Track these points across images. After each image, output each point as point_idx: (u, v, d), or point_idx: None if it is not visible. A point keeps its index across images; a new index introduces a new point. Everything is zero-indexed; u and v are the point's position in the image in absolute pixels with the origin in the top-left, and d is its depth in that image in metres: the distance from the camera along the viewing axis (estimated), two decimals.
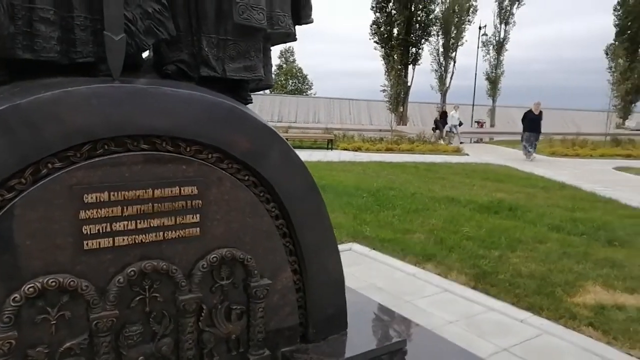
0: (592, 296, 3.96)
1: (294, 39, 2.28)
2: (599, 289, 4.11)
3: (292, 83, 65.97)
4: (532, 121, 15.80)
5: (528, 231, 5.90)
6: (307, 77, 67.94)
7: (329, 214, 6.44)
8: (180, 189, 1.75)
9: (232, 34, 1.96)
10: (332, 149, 17.50)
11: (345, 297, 2.33)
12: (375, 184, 9.16)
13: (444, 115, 24.46)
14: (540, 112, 16.15)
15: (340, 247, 5.14)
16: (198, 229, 1.82)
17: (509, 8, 36.45)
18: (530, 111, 16.23)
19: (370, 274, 4.45)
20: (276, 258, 2.07)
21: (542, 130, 17.83)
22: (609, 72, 34.33)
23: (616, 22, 36.80)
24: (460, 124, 23.27)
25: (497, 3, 36.62)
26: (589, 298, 3.91)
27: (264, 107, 41.95)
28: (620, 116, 38.01)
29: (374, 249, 5.16)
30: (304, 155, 14.66)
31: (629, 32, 35.77)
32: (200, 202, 1.80)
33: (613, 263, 4.76)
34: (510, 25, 37.13)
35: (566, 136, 21.33)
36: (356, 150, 17.01)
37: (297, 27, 2.29)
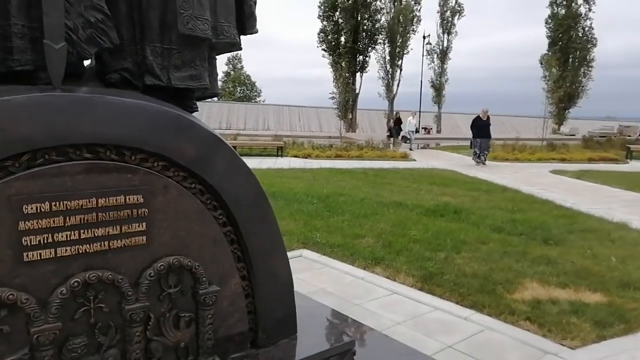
0: (530, 292, 4.19)
1: (239, 49, 2.32)
2: (535, 285, 4.36)
3: (241, 90, 65.46)
4: (481, 127, 15.99)
5: (472, 233, 6.16)
6: (256, 84, 67.67)
7: (280, 221, 6.47)
8: (125, 198, 1.73)
9: (176, 44, 1.96)
10: (282, 156, 17.53)
11: (294, 302, 2.36)
12: (325, 190, 9.26)
13: (398, 121, 24.57)
14: (488, 118, 16.35)
15: (291, 253, 5.20)
16: (144, 237, 1.80)
17: (450, 19, 37.91)
18: (478, 117, 16.41)
19: (321, 279, 4.51)
20: (224, 265, 2.08)
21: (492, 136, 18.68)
22: (544, 81, 36.32)
23: (548, 34, 38.97)
24: (417, 130, 23.80)
25: (439, 14, 38.04)
26: (526, 294, 4.14)
27: (212, 114, 41.40)
28: (555, 122, 40.17)
29: (324, 254, 5.23)
30: (254, 162, 14.69)
31: (560, 43, 37.97)
32: (146, 210, 1.79)
33: (548, 260, 5.06)
34: (453, 35, 38.64)
35: (506, 141, 22.33)
36: (306, 157, 17.11)
37: (243, 36, 2.33)
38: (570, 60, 38.69)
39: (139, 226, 1.78)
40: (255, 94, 67.53)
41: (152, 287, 1.83)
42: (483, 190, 9.90)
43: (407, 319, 3.64)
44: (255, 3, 2.30)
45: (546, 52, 38.91)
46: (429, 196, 8.97)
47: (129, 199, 1.75)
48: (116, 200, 1.71)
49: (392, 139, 23.98)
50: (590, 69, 38.93)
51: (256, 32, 2.35)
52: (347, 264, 4.94)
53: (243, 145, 18.96)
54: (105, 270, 1.71)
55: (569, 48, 38.25)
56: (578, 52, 38.48)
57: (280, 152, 17.89)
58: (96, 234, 1.68)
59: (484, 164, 15.82)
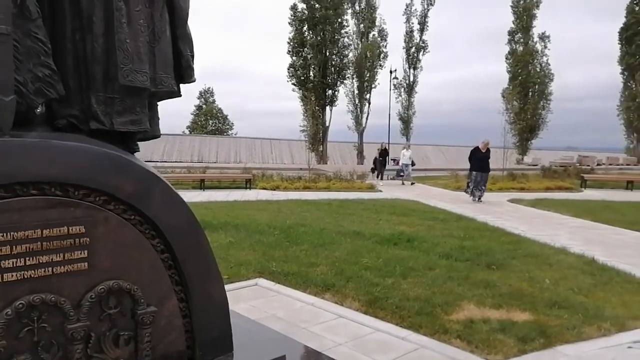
0: (465, 313, 4.51)
1: (179, 95, 2.63)
2: (472, 307, 4.68)
3: (212, 123, 65.77)
4: (480, 160, 14.75)
5: (421, 259, 6.49)
6: (228, 117, 68.14)
7: (239, 251, 6.74)
8: (68, 229, 1.99)
9: (118, 93, 2.26)
10: (250, 188, 17.74)
11: (229, 322, 2.61)
12: (287, 222, 9.52)
13: (384, 153, 23.03)
14: (488, 150, 15.12)
15: (246, 282, 5.44)
16: (86, 263, 2.04)
17: (415, 54, 39.37)
18: (477, 149, 15.11)
19: (272, 306, 4.73)
20: (162, 288, 2.33)
21: (447, 166, 19.16)
22: (506, 113, 37.84)
23: (508, 69, 40.81)
24: (413, 163, 21.99)
25: (405, 50, 39.48)
26: (462, 315, 4.46)
27: (184, 147, 41.47)
28: (519, 153, 41.64)
29: (278, 283, 5.46)
30: (222, 195, 14.88)
31: (519, 78, 39.76)
32: (87, 239, 2.04)
33: (487, 284, 5.41)
34: (418, 69, 40.03)
35: (466, 171, 23.06)
36: (274, 189, 17.37)
37: (182, 84, 2.65)
38: (530, 94, 40.45)
39: (80, 254, 2.03)
40: (227, 127, 67.92)
41: (93, 308, 2.06)
42: (439, 219, 10.33)
43: (349, 340, 3.89)
44: (192, 57, 2.62)
45: (507, 86, 40.69)
46: (386, 225, 9.32)
47: (72, 229, 2.00)
48: (60, 230, 1.97)
49: (375, 172, 22.67)
50: (548, 102, 40.71)
51: (194, 81, 2.67)
52: (299, 291, 5.18)
53: (212, 178, 19.12)
54: (48, 294, 1.94)
55: (528, 82, 40.06)
56: (537, 86, 40.28)
57: (248, 184, 18.11)
58: (41, 261, 1.92)
59: (480, 200, 14.55)
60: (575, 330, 4.14)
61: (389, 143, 42.01)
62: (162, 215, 2.28)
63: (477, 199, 14.54)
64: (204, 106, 65.39)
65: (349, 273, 5.75)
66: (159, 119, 2.62)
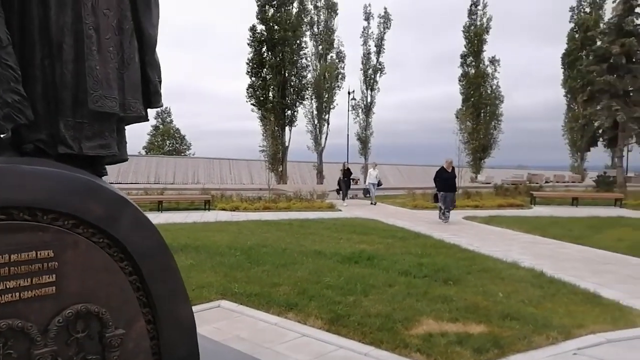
0: (424, 327, 4.67)
1: (146, 120, 2.70)
2: (430, 321, 4.85)
3: (170, 144, 64.76)
4: (446, 180, 14.64)
5: (381, 277, 6.65)
6: (186, 137, 67.30)
7: (200, 273, 6.73)
8: (36, 253, 2.00)
9: (87, 118, 2.31)
10: (209, 209, 17.56)
11: (197, 343, 2.65)
12: (248, 242, 9.51)
13: (347, 173, 22.40)
14: (453, 169, 15.08)
15: (209, 304, 5.43)
16: (54, 287, 2.05)
17: (372, 76, 40.34)
18: (442, 169, 14.97)
19: (236, 327, 4.75)
20: (130, 310, 2.35)
21: (405, 185, 19.49)
22: (460, 133, 39.23)
23: (461, 91, 42.41)
24: (380, 183, 21.79)
25: (362, 71, 40.39)
26: (421, 329, 4.62)
27: (139, 168, 40.57)
28: (473, 171, 43.05)
29: (241, 304, 5.47)
30: (180, 216, 14.67)
31: (472, 99, 41.35)
32: (56, 263, 2.05)
33: (444, 299, 5.61)
34: (376, 91, 40.98)
35: (426, 190, 23.69)
36: (234, 210, 17.26)
37: (150, 109, 2.72)
38: (482, 114, 42.06)
39: (49, 278, 2.04)
40: (185, 147, 67.03)
41: (60, 332, 2.07)
42: (398, 237, 10.57)
43: (313, 358, 3.97)
44: (160, 82, 2.70)
45: (461, 107, 42.23)
46: (347, 244, 9.47)
47: (40, 254, 2.01)
48: (28, 255, 1.98)
49: (341, 192, 22.03)
50: (499, 122, 42.43)
51: (161, 106, 2.74)
52: (262, 311, 5.21)
53: (170, 199, 18.82)
54: (15, 319, 1.94)
55: (480, 104, 41.68)
56: (488, 108, 41.95)
57: (207, 205, 17.92)
58: (8, 286, 1.93)
59: (447, 220, 14.24)
60: (526, 339, 4.37)
61: (348, 163, 42.67)
62: (130, 237, 2.32)
63: (447, 220, 14.18)
64: (161, 126, 64.38)
65: (311, 292, 5.83)
66: (126, 142, 2.67)
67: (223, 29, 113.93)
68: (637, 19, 27.52)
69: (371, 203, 20.83)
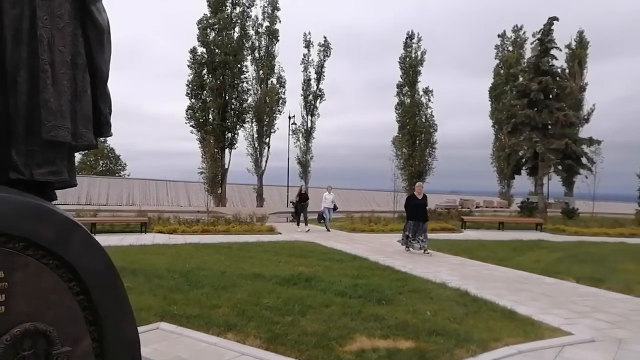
0: (357, 344, 4.96)
1: (96, 147, 2.86)
2: (363, 338, 5.16)
3: (103, 164, 62.38)
4: (416, 207, 13.31)
5: (318, 298, 6.91)
6: (120, 157, 65.14)
7: (138, 296, 6.74)
8: None
9: (39, 146, 2.46)
10: (146, 232, 17.17)
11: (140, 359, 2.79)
12: (187, 265, 9.49)
13: (303, 197, 20.81)
14: (425, 196, 13.66)
15: (148, 326, 5.46)
16: (3, 307, 2.16)
17: (312, 102, 41.23)
18: (412, 196, 13.84)
19: (176, 348, 4.82)
20: (77, 328, 2.47)
21: (343, 208, 19.50)
22: (397, 159, 40.72)
23: (398, 119, 44.17)
24: (335, 208, 20.74)
25: (302, 97, 41.20)
26: (354, 346, 4.90)
27: (69, 189, 38.69)
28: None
29: (180, 325, 5.53)
30: (115, 239, 14.28)
31: (407, 127, 43.15)
32: (6, 284, 2.17)
33: (377, 317, 5.95)
34: (316, 116, 41.83)
35: (363, 214, 24.37)
36: (172, 233, 16.97)
37: (100, 137, 2.88)
38: (417, 142, 43.91)
39: None
40: (120, 167, 64.80)
41: (7, 350, 2.17)
42: (336, 260, 10.91)
43: None
44: (110, 113, 2.88)
45: (397, 134, 43.91)
46: (286, 267, 9.67)
47: None
48: None
49: (297, 218, 20.75)
50: (434, 149, 44.43)
51: (111, 135, 2.92)
52: (202, 332, 5.30)
53: (104, 222, 18.21)
54: None
55: (415, 131, 43.54)
56: (423, 135, 43.87)
57: (144, 228, 17.52)
58: None
59: (426, 251, 12.79)
60: (448, 353, 4.76)
61: (288, 185, 42.94)
62: (80, 259, 2.46)
63: (418, 249, 12.92)
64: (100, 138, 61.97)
65: (250, 313, 5.99)
66: (76, 169, 2.81)
67: (158, 48, 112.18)
68: (551, 60, 30.15)
69: (328, 229, 19.65)
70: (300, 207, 20.55)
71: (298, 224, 20.37)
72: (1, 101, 2.41)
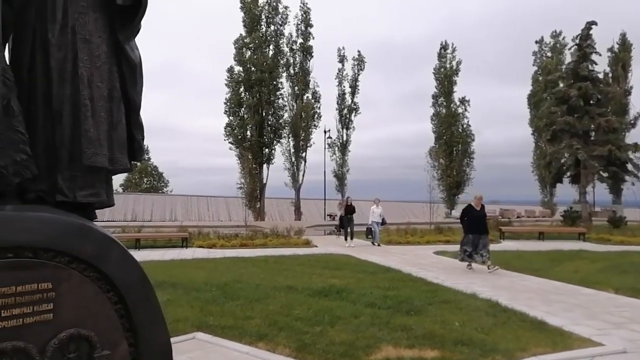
0: (383, 353, 5.10)
1: (131, 171, 3.21)
2: (390, 348, 5.29)
3: (147, 181, 64.54)
4: (475, 220, 12.31)
5: (348, 309, 7.07)
6: (163, 174, 67.25)
7: (177, 308, 7.13)
8: (37, 285, 2.43)
9: (81, 171, 2.79)
10: (186, 247, 17.76)
11: None
12: (224, 279, 9.83)
13: (350, 209, 19.80)
14: (483, 207, 12.71)
15: (184, 336, 5.78)
16: (51, 314, 2.47)
17: (347, 116, 41.52)
18: (470, 207, 12.76)
19: (210, 357, 5.09)
20: (115, 334, 2.76)
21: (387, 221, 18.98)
22: (434, 170, 40.35)
23: (434, 130, 43.88)
24: (384, 222, 19.76)
25: (337, 111, 41.56)
26: (380, 355, 5.04)
27: (117, 207, 40.18)
28: (447, 207, 44.03)
29: (215, 335, 5.81)
30: (157, 254, 14.86)
31: (444, 137, 42.81)
32: (53, 294, 2.48)
33: (405, 327, 6.06)
34: (351, 129, 42.06)
35: (399, 226, 24.29)
36: (211, 247, 17.49)
37: (135, 162, 3.21)
38: (454, 152, 43.46)
39: (47, 306, 2.46)
40: (163, 184, 66.88)
41: (55, 353, 2.47)
42: (369, 272, 11.02)
43: None
44: (143, 139, 3.20)
45: (434, 144, 43.59)
46: (319, 279, 9.86)
47: (41, 285, 2.44)
48: (30, 287, 2.41)
49: (341, 230, 19.48)
50: (471, 159, 43.85)
51: (144, 159, 3.24)
52: (235, 342, 5.56)
53: (147, 237, 18.96)
54: (18, 341, 2.35)
55: (452, 142, 43.14)
56: (460, 146, 43.40)
57: (185, 243, 18.12)
58: (13, 313, 2.35)
59: (489, 267, 11.73)
60: None
61: (325, 199, 43.24)
62: (116, 272, 2.76)
63: (481, 264, 11.95)
64: (138, 164, 64.26)
65: (281, 324, 6.21)
66: (113, 190, 3.14)
67: (195, 67, 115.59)
68: (591, 65, 29.35)
69: (373, 243, 19.03)
70: (346, 221, 19.53)
71: (346, 239, 19.14)
72: (50, 133, 2.76)
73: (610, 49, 45.03)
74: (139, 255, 14.63)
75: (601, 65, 33.40)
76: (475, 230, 12.18)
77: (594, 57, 29.61)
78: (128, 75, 3.08)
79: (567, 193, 38.57)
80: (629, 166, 28.91)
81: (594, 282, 9.81)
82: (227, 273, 10.87)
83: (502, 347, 5.33)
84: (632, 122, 43.81)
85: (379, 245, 18.90)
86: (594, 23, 29.48)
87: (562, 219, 28.74)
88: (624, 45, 45.81)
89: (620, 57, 45.16)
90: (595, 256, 14.52)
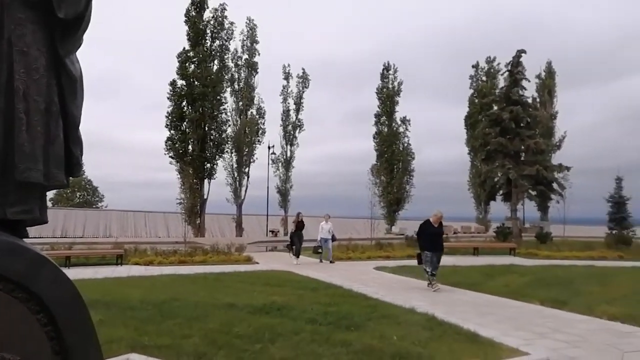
0: None
1: (67, 187, 3.10)
2: None
3: (80, 195, 61.61)
4: (432, 237, 11.93)
5: (289, 326, 7.07)
6: (98, 188, 64.43)
7: (110, 328, 6.86)
8: None
9: (13, 186, 2.68)
10: (121, 264, 17.06)
11: None
12: (162, 297, 9.54)
13: (300, 225, 19.26)
14: (441, 224, 12.33)
15: (117, 358, 5.55)
16: None
17: (292, 132, 41.76)
18: (428, 223, 12.19)
19: None
20: (43, 357, 2.66)
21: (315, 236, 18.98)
22: (375, 187, 41.20)
23: (376, 148, 44.96)
24: (334, 238, 19.16)
25: (282, 127, 41.71)
26: None
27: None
28: (387, 223, 45.01)
29: (151, 356, 5.63)
30: (90, 272, 14.21)
31: (386, 155, 43.94)
32: None
33: (344, 343, 6.14)
34: (295, 146, 42.29)
35: (341, 242, 24.52)
36: (148, 265, 16.89)
37: (72, 177, 3.12)
38: (395, 170, 44.66)
39: None
40: (97, 198, 64.05)
41: None
42: (310, 289, 11.07)
43: None
44: (81, 154, 3.12)
45: (375, 162, 44.62)
46: (260, 296, 9.79)
47: None
48: None
49: (293, 248, 18.71)
50: (411, 177, 45.22)
51: (81, 175, 3.17)
52: None
53: (78, 254, 18.06)
54: None
55: (393, 160, 44.36)
56: (401, 164, 44.68)
57: (120, 260, 17.40)
58: None
59: (436, 286, 11.54)
60: None
61: (267, 215, 42.99)
62: (48, 292, 2.66)
63: (435, 286, 11.51)
64: (71, 177, 61.21)
65: (220, 342, 6.12)
66: (47, 206, 3.04)
67: (135, 80, 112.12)
68: (521, 91, 31.36)
69: (321, 261, 18.45)
70: (296, 237, 18.75)
71: (297, 256, 18.25)
72: None
73: (538, 76, 48.30)
74: (69, 273, 13.65)
75: (530, 90, 35.82)
76: (432, 247, 11.85)
77: (524, 83, 31.64)
78: (67, 89, 3.01)
79: (500, 210, 40.60)
80: (555, 185, 30.91)
81: (523, 295, 10.37)
82: (164, 291, 10.55)
83: (437, 359, 5.53)
84: (558, 144, 47.05)
85: (332, 262, 18.40)
86: (524, 51, 31.54)
87: (495, 235, 30.17)
88: (550, 72, 49.32)
89: (547, 83, 48.56)
90: (524, 270, 15.35)
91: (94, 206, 60.68)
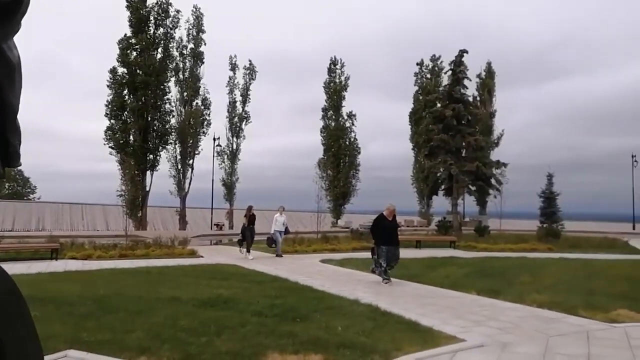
0: None
1: (3, 177, 2.95)
2: (275, 355, 5.40)
3: (10, 186, 58.10)
4: (387, 230, 11.74)
5: (235, 318, 7.06)
6: (30, 179, 61.01)
7: (47, 325, 6.62)
8: None
9: None
10: (57, 258, 16.30)
11: None
12: (101, 292, 9.24)
13: (252, 219, 18.59)
14: (395, 218, 12.13)
15: (55, 355, 5.38)
16: None
17: (238, 124, 41.29)
18: (382, 217, 11.98)
19: None
20: None
21: (265, 230, 18.92)
22: (322, 180, 41.57)
23: (323, 142, 45.29)
24: (287, 231, 19.06)
25: (228, 119, 41.14)
26: None
27: None
28: (333, 216, 45.52)
29: (91, 352, 5.46)
30: (22, 267, 13.52)
31: (332, 149, 44.36)
32: None
33: (291, 334, 6.22)
34: (241, 138, 41.86)
35: (288, 235, 24.55)
36: (86, 259, 16.24)
37: (8, 168, 2.97)
38: (342, 164, 45.19)
39: None
40: (29, 190, 60.62)
41: None
42: (256, 282, 11.06)
43: None
44: (19, 144, 2.98)
45: (322, 156, 44.97)
46: (205, 290, 9.69)
47: None
48: None
49: (243, 243, 18.15)
50: (357, 171, 45.93)
51: (20, 165, 3.01)
52: (113, 357, 5.28)
53: (7, 249, 17.08)
54: None
55: (339, 154, 44.86)
56: (347, 158, 45.27)
57: (55, 254, 16.61)
58: None
59: (389, 279, 11.43)
60: None
61: (212, 208, 42.32)
62: None
63: (388, 279, 11.41)
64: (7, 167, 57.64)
65: (165, 336, 6.03)
66: None
67: (71, 66, 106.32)
68: (463, 89, 32.59)
69: (276, 255, 18.14)
70: (248, 232, 18.09)
71: (248, 251, 17.73)
72: None
73: (479, 76, 50.23)
74: None
75: (471, 89, 37.25)
76: (387, 241, 11.62)
77: (465, 82, 32.87)
78: (4, 77, 2.84)
79: (441, 204, 42.09)
80: (493, 181, 32.41)
81: (461, 285, 10.85)
82: (104, 285, 10.21)
83: (380, 348, 5.71)
84: (496, 141, 49.24)
85: (281, 255, 18.15)
86: (466, 51, 32.75)
87: (437, 229, 31.27)
88: (490, 72, 51.42)
89: (486, 83, 50.60)
90: (463, 262, 16.05)
91: (25, 198, 57.43)
